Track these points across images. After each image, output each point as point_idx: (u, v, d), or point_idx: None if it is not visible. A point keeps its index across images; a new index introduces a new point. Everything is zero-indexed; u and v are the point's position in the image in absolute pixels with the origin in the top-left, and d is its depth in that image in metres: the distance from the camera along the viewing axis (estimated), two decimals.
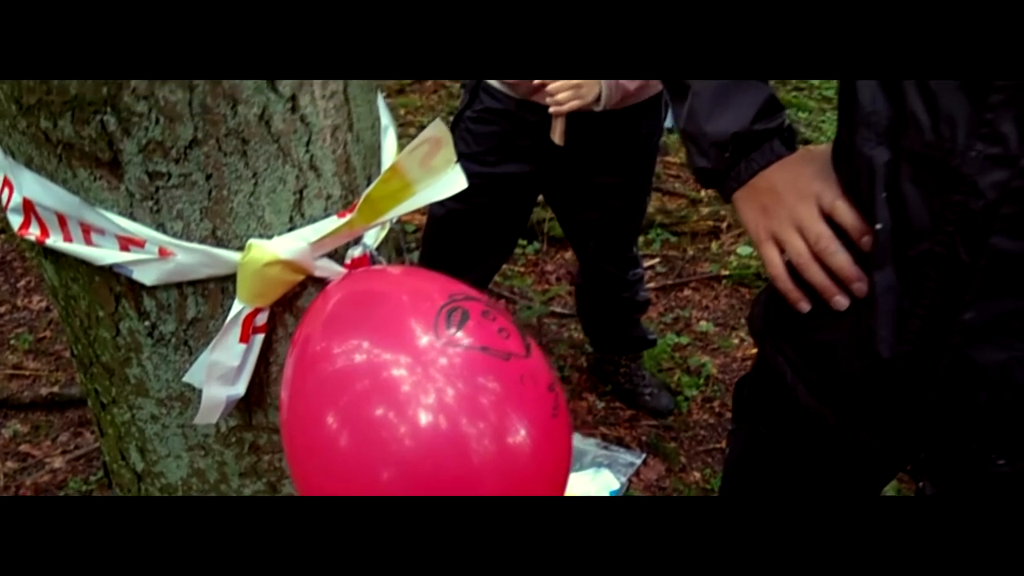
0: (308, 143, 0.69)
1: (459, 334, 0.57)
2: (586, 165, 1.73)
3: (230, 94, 0.62)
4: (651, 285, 2.61)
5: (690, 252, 2.80)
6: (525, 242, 2.80)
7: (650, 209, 2.73)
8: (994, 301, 0.69)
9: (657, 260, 2.77)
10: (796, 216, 0.83)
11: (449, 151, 0.70)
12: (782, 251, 0.84)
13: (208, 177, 0.66)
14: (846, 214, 0.79)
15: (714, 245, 2.82)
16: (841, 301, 0.80)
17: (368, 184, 0.75)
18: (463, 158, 1.83)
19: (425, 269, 0.76)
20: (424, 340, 0.57)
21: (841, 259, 0.79)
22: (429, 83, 3.95)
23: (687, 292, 2.64)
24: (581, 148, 1.65)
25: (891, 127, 0.73)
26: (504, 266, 2.46)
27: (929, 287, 0.72)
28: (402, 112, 3.70)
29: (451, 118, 1.80)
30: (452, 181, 0.71)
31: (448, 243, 1.86)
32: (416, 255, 2.08)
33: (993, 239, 0.67)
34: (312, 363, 0.62)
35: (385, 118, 0.82)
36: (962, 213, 0.68)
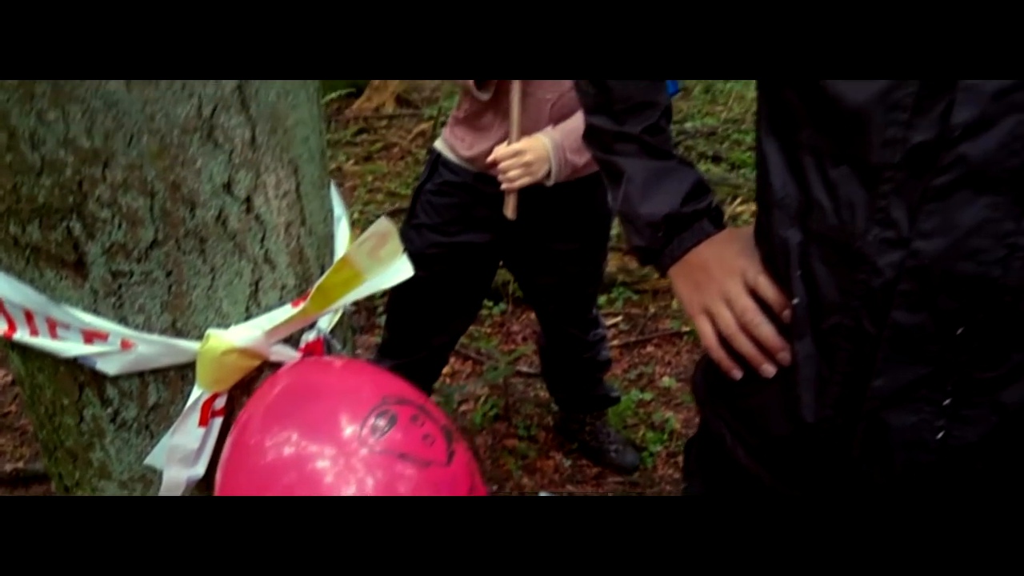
0: (263, 239, 0.74)
1: (382, 438, 0.62)
2: (543, 233, 1.80)
3: (189, 199, 0.68)
4: (614, 343, 2.67)
5: (652, 309, 2.87)
6: (491, 303, 2.86)
7: (612, 268, 2.82)
8: (901, 369, 0.75)
9: (620, 318, 2.83)
10: (724, 290, 0.89)
11: (395, 243, 0.75)
12: (714, 323, 0.90)
13: (168, 274, 0.71)
14: (767, 289, 0.85)
15: (675, 302, 2.90)
16: (768, 369, 0.86)
17: (322, 272, 0.80)
18: (425, 228, 1.89)
19: (369, 365, 0.81)
20: (347, 441, 0.62)
21: (765, 331, 0.85)
22: (396, 150, 4.04)
23: (650, 348, 2.70)
24: (537, 218, 1.72)
25: (801, 211, 0.80)
26: (471, 327, 2.51)
27: (842, 357, 0.79)
28: (370, 179, 3.78)
29: (417, 183, 1.87)
30: (399, 270, 0.76)
31: (412, 309, 1.90)
32: (384, 318, 2.12)
33: (894, 313, 0.73)
34: (246, 451, 0.66)
35: (338, 208, 0.87)
36: (865, 290, 0.75)
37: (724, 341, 0.90)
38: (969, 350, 0.73)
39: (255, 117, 0.67)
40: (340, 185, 3.80)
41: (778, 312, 0.85)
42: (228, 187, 0.69)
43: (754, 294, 0.87)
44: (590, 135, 1.01)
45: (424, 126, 4.16)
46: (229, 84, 0.64)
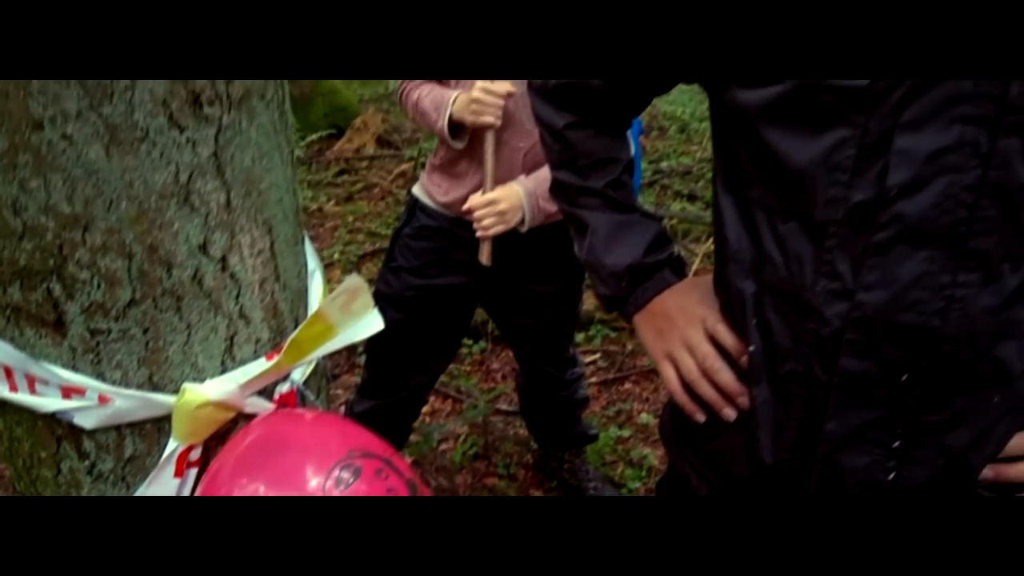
0: (238, 296, 0.77)
1: (346, 490, 0.64)
2: (518, 276, 1.84)
3: (166, 260, 0.71)
4: (593, 380, 2.70)
5: (629, 346, 2.91)
6: (471, 342, 2.88)
7: (589, 306, 2.85)
8: (851, 413, 0.79)
9: (598, 355, 2.86)
10: (686, 337, 0.93)
11: (366, 298, 0.78)
12: (678, 368, 0.94)
13: (145, 331, 0.73)
14: (726, 337, 0.89)
15: None
16: (729, 413, 0.89)
17: (296, 325, 0.83)
18: (403, 271, 1.93)
19: (338, 418, 0.83)
20: (311, 492, 0.64)
21: (725, 376, 0.89)
22: (377, 190, 4.09)
23: (628, 385, 2.73)
24: (512, 261, 1.76)
25: (754, 263, 0.84)
26: (451, 366, 2.53)
27: (797, 402, 0.82)
28: (351, 219, 3.82)
29: (395, 226, 1.90)
30: (370, 323, 0.79)
31: (391, 351, 1.93)
32: (364, 358, 2.14)
33: (842, 361, 0.77)
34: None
35: (312, 262, 0.90)
36: (815, 339, 0.79)
37: (687, 386, 0.93)
38: (914, 395, 0.77)
39: (230, 181, 0.70)
40: (321, 225, 3.84)
41: (736, 358, 0.88)
42: (204, 248, 0.72)
43: (714, 341, 0.91)
44: (556, 189, 1.05)
45: (405, 167, 4.22)
46: (205, 151, 0.68)
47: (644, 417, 2.55)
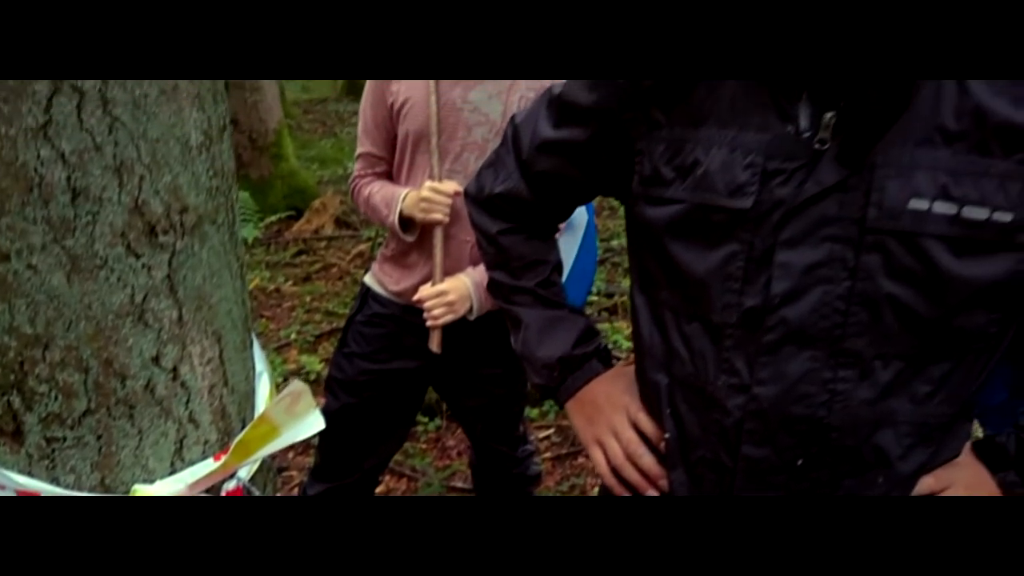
0: (188, 402, 0.82)
1: None
2: (469, 359, 1.91)
3: (120, 372, 0.77)
4: (547, 455, 2.75)
5: None
6: (426, 419, 2.92)
7: None
8: (755, 494, 0.87)
9: (552, 430, 2.92)
10: (612, 424, 1.01)
11: (308, 400, 0.85)
12: (605, 453, 1.01)
13: (99, 437, 0.78)
14: (646, 424, 0.97)
15: None
16: (651, 495, 0.97)
17: (243, 426, 0.89)
18: (356, 356, 1.98)
19: None
20: None
21: (647, 461, 0.96)
22: (335, 270, 4.16)
23: (581, 460, 2.78)
24: (462, 346, 1.83)
25: (666, 359, 0.93)
26: (407, 444, 2.56)
27: (708, 485, 0.90)
28: (308, 299, 3.87)
29: (351, 309, 1.96)
30: (313, 424, 0.86)
31: (343, 435, 1.96)
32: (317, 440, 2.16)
33: (743, 448, 0.85)
34: None
35: (260, 365, 0.97)
36: (720, 428, 0.87)
37: (615, 469, 1.00)
38: (809, 479, 0.85)
39: (182, 299, 0.77)
40: (279, 305, 3.87)
41: (656, 444, 0.96)
42: (156, 360, 0.78)
43: (637, 428, 0.98)
44: (492, 287, 1.14)
45: (362, 247, 4.31)
46: (159, 274, 0.75)
47: (598, 491, 2.60)
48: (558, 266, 1.12)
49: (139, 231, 0.71)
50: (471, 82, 1.63)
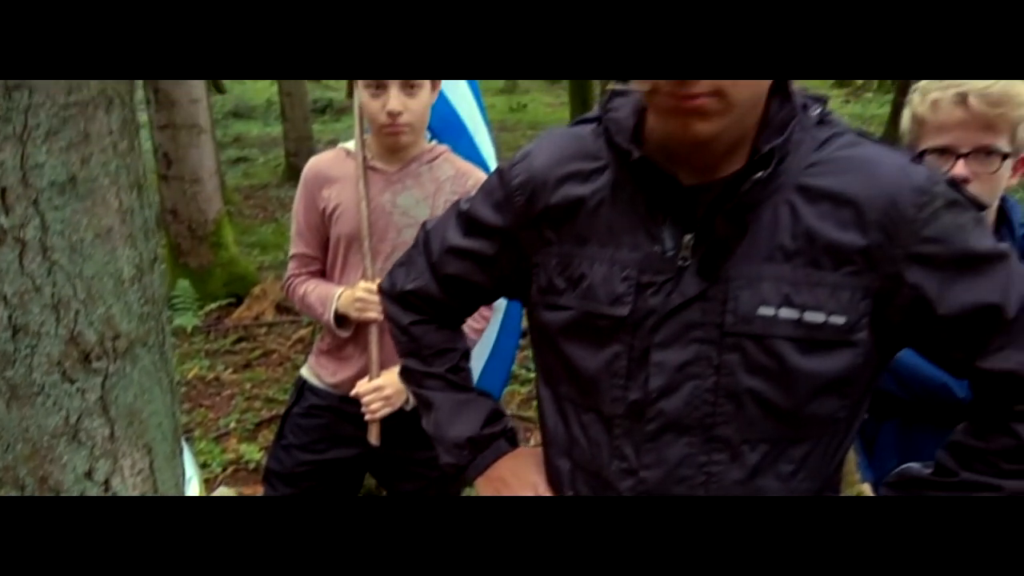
0: None
1: None
2: (405, 444, 1.97)
3: (54, 488, 0.83)
4: None
5: None
6: None
7: None
8: None
9: None
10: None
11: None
12: None
13: None
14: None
15: None
16: None
17: None
18: (294, 448, 2.03)
19: None
20: None
21: None
22: (275, 356, 4.17)
23: None
24: (398, 432, 1.89)
25: (567, 445, 1.02)
26: None
27: None
28: (248, 386, 3.87)
29: (288, 401, 2.01)
30: None
31: None
32: None
33: None
34: None
35: (190, 470, 1.03)
36: None
37: None
38: None
39: (114, 418, 0.84)
40: (218, 394, 3.86)
41: None
42: (89, 474, 0.84)
43: None
44: (404, 373, 1.22)
45: (303, 332, 4.34)
46: (93, 396, 0.82)
47: None
48: (466, 353, 1.21)
49: (74, 359, 0.78)
50: (399, 187, 1.75)
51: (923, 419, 1.39)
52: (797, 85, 0.88)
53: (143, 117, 5.01)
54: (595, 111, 0.99)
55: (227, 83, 17.51)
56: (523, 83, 18.82)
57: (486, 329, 1.94)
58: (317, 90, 14.81)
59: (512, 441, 1.16)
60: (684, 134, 0.80)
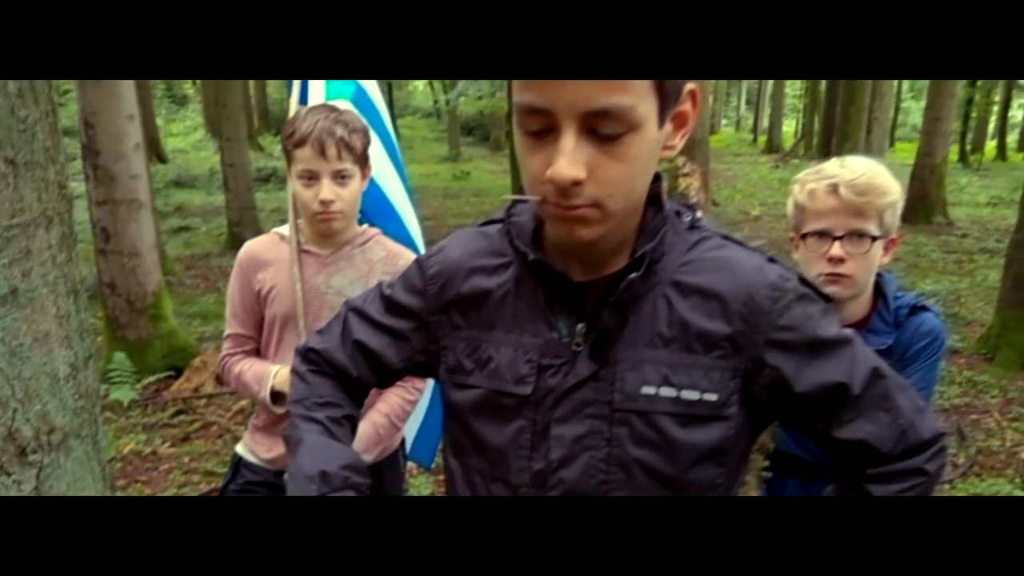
0: None
1: None
2: None
3: None
4: None
5: None
6: None
7: None
8: None
9: None
10: None
11: None
12: None
13: None
14: None
15: None
16: None
17: None
18: None
19: None
20: None
21: None
22: (215, 428, 4.14)
23: None
24: None
25: None
26: None
27: None
28: (187, 459, 3.83)
29: (224, 480, 2.03)
30: None
31: None
32: None
33: None
34: None
35: None
36: None
37: None
38: None
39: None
40: (155, 469, 3.81)
41: None
42: None
43: None
44: (289, 425, 1.21)
45: (243, 403, 4.32)
46: (28, 486, 0.87)
47: None
48: (354, 422, 1.21)
49: (11, 454, 0.84)
50: (333, 268, 1.84)
51: (822, 476, 1.52)
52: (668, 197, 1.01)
53: (80, 188, 5.00)
54: (500, 214, 1.10)
55: (170, 152, 17.46)
56: (466, 151, 19.23)
57: (419, 400, 2.01)
58: (260, 159, 14.89)
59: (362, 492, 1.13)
60: (570, 238, 0.92)
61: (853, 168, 1.48)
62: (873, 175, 1.47)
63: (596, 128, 0.81)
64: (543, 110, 0.82)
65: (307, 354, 1.23)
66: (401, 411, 1.90)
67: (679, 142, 0.93)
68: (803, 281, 0.98)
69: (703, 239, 1.01)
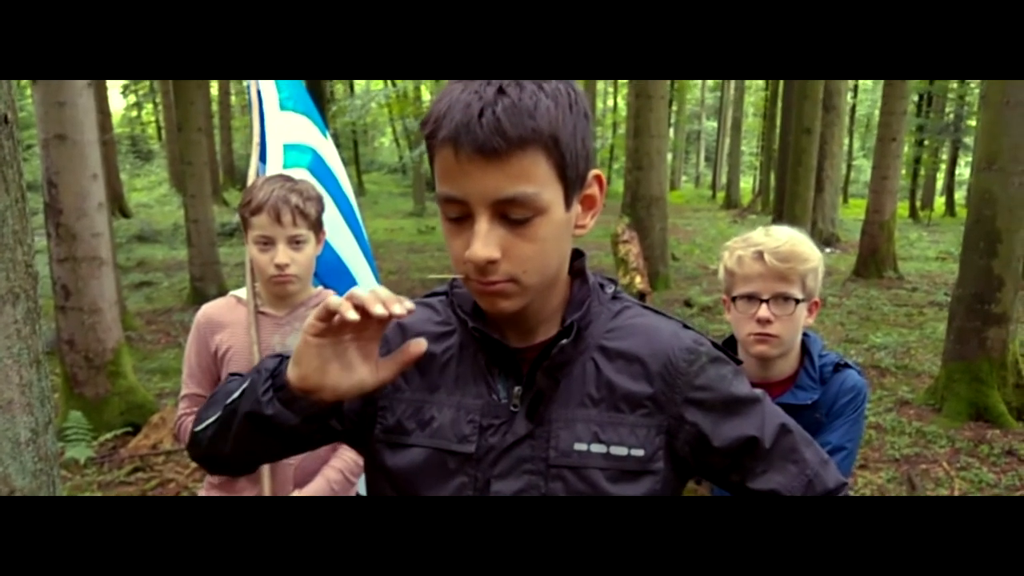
0: None
1: None
2: None
3: None
4: None
5: None
6: None
7: None
8: None
9: None
10: None
11: None
12: None
13: None
14: None
15: None
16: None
17: None
18: None
19: None
20: None
21: None
22: (173, 486, 4.09)
23: None
24: None
25: None
26: None
27: None
28: None
29: None
30: None
31: None
32: None
33: None
34: None
35: None
36: None
37: None
38: None
39: None
40: None
41: None
42: None
43: None
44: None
45: None
46: None
47: None
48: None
49: None
50: (288, 329, 1.90)
51: None
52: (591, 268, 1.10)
53: (41, 243, 4.98)
54: (444, 287, 1.18)
55: (133, 207, 17.37)
56: (431, 206, 19.40)
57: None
58: (225, 214, 14.89)
59: None
60: (493, 309, 1.00)
61: (777, 237, 1.60)
62: (795, 243, 1.59)
63: (507, 213, 0.91)
64: (459, 199, 0.91)
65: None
66: (355, 466, 1.94)
67: (590, 222, 1.04)
68: (715, 345, 1.08)
69: (625, 308, 1.10)
